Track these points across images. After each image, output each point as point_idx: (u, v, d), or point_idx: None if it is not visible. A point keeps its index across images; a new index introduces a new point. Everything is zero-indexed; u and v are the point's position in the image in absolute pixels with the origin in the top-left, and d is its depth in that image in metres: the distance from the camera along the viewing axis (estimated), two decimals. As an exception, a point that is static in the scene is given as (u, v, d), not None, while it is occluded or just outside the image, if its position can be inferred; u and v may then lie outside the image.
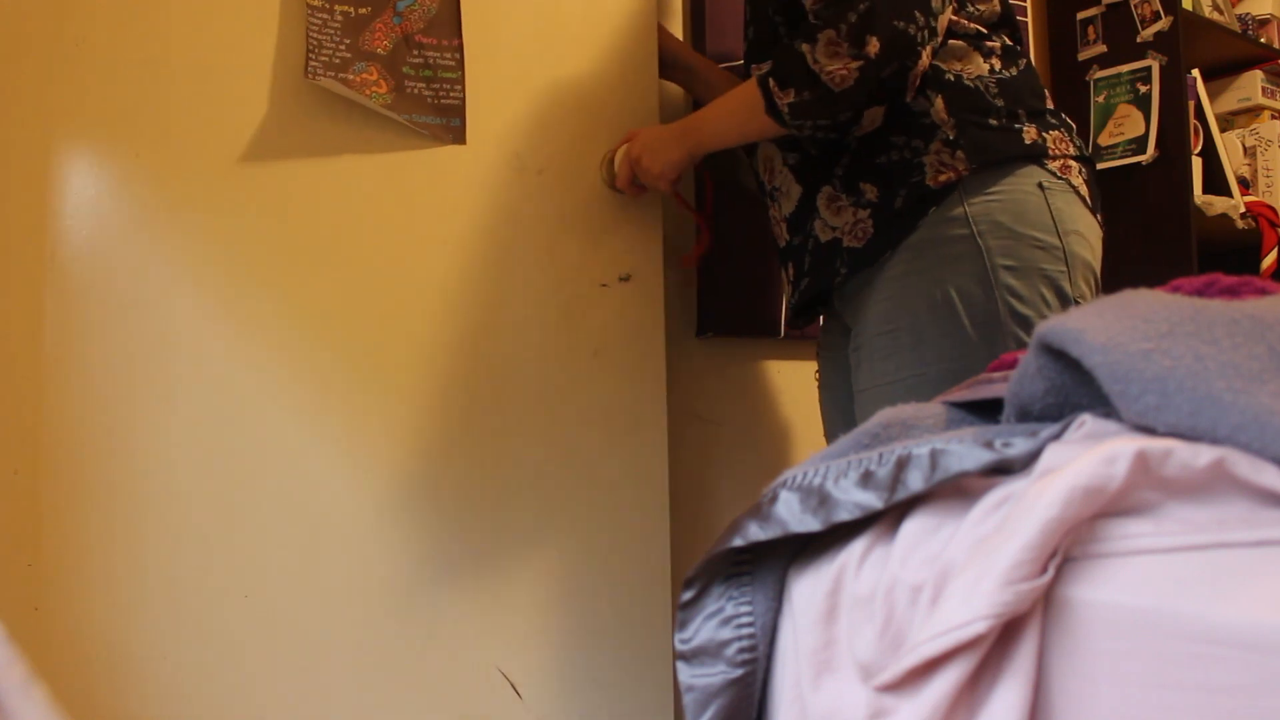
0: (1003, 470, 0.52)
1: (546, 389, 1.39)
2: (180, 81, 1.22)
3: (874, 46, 1.07)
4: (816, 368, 1.45)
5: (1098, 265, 1.17)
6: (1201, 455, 0.43)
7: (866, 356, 1.17)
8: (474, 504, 1.34)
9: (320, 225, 1.28)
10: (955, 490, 0.53)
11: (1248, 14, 2.41)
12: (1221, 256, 2.06)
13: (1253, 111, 2.32)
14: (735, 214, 1.63)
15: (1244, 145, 2.29)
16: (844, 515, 0.55)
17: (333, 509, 1.26)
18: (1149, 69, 2.04)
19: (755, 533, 0.58)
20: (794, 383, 1.73)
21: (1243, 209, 2.14)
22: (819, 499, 0.57)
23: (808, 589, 0.58)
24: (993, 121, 1.13)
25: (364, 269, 1.30)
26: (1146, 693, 0.40)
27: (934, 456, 0.53)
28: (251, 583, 1.20)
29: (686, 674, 0.61)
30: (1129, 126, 2.06)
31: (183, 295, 1.20)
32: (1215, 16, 2.25)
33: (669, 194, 1.43)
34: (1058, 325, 0.51)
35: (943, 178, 1.11)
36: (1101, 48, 2.14)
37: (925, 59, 1.10)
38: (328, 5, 1.28)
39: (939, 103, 1.13)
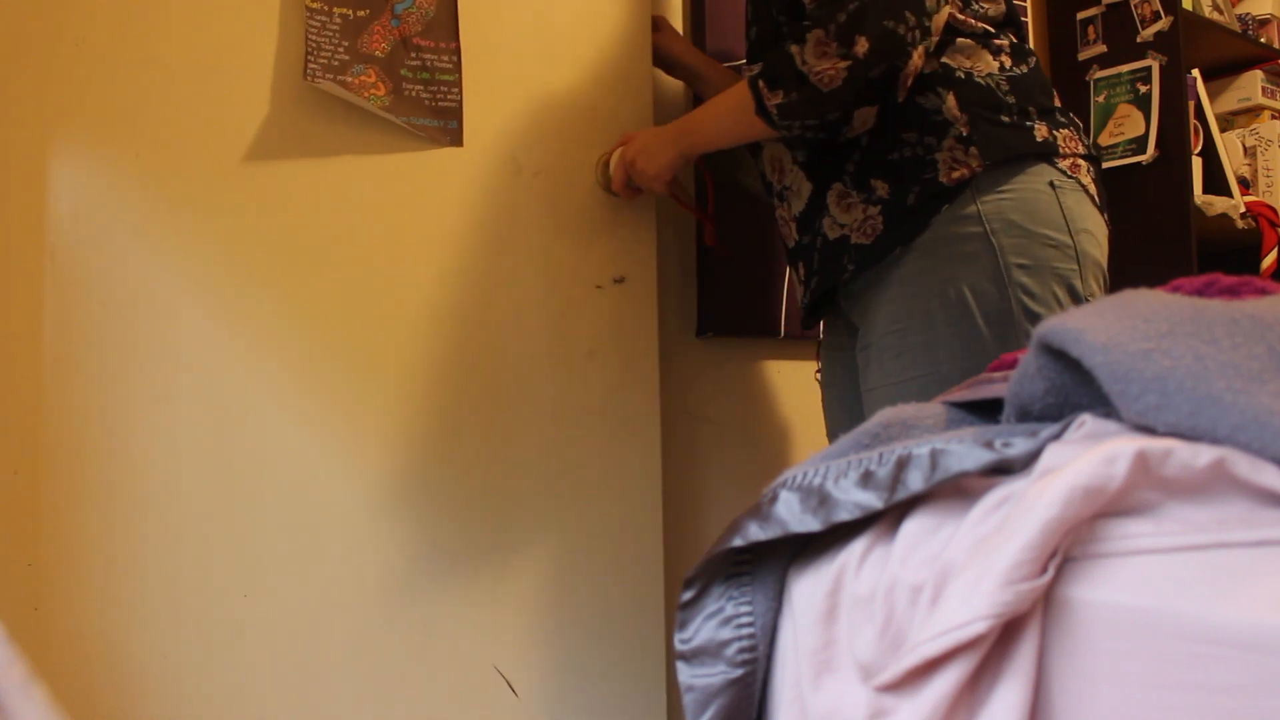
0: (1003, 470, 0.52)
1: (542, 389, 1.41)
2: (180, 82, 1.22)
3: (862, 46, 1.07)
4: (817, 367, 1.45)
5: (1106, 264, 1.17)
6: (1201, 455, 0.43)
7: (876, 355, 1.16)
8: (471, 504, 1.34)
9: (319, 226, 1.29)
10: (955, 490, 0.53)
11: (1248, 14, 2.41)
12: (1221, 256, 2.06)
13: (1253, 111, 2.32)
14: (735, 214, 1.63)
15: (1244, 145, 2.29)
16: (844, 515, 0.55)
17: (331, 508, 1.26)
18: (1149, 69, 2.04)
19: (755, 533, 0.58)
20: (794, 383, 1.73)
21: (1243, 209, 2.14)
22: (819, 499, 0.57)
23: (808, 589, 0.58)
24: (1005, 118, 1.13)
25: (362, 269, 1.31)
26: (1146, 693, 0.40)
27: (934, 456, 0.53)
28: (250, 582, 1.21)
29: (686, 674, 0.61)
30: (1129, 126, 2.06)
31: (182, 295, 1.20)
32: (1215, 16, 2.25)
33: (666, 195, 1.43)
34: (1058, 325, 0.51)
35: (956, 175, 1.11)
36: (1101, 48, 2.14)
37: (917, 59, 1.09)
38: (326, 7, 1.29)
39: (951, 99, 1.13)
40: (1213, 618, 0.38)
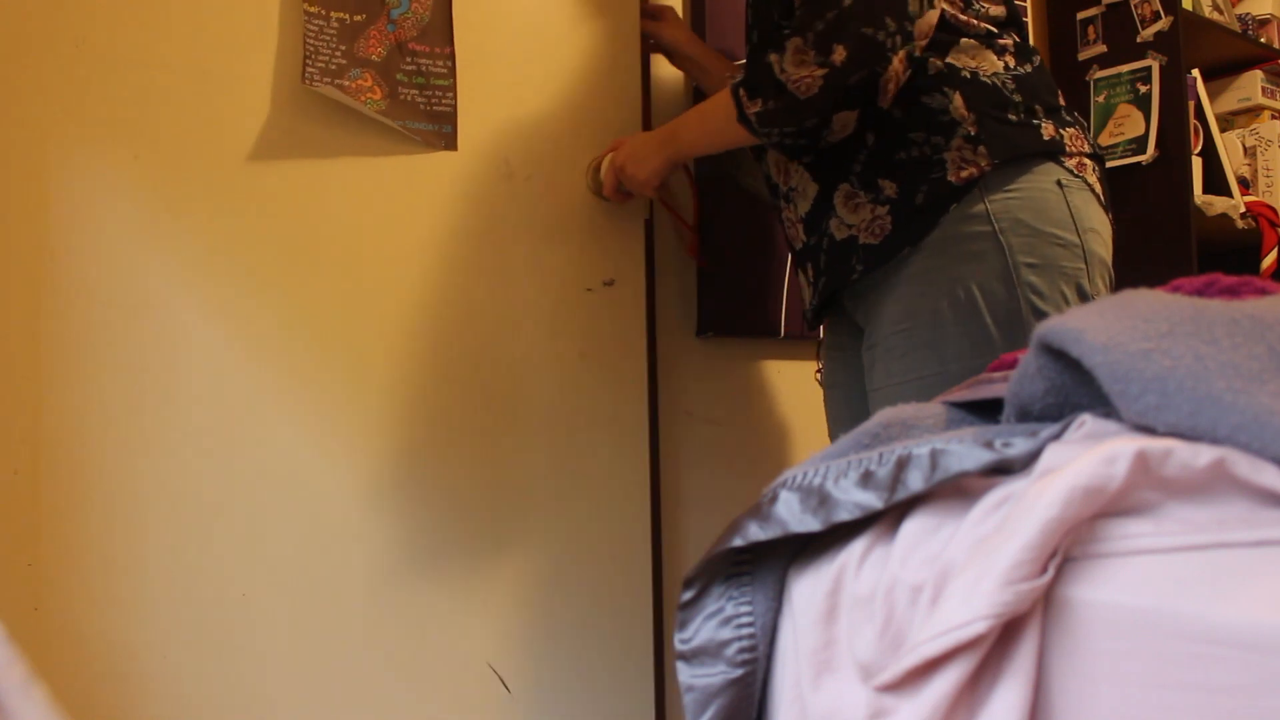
0: (1003, 470, 0.52)
1: (534, 390, 1.43)
2: (179, 84, 1.23)
3: (840, 54, 1.07)
4: (818, 368, 1.45)
5: (1110, 263, 1.17)
6: (1201, 455, 0.43)
7: (883, 355, 1.16)
8: (464, 503, 1.36)
9: (316, 227, 1.30)
10: (955, 490, 0.53)
11: (1248, 14, 2.41)
12: (1221, 256, 2.06)
13: (1253, 111, 2.32)
14: (735, 214, 1.63)
15: (1244, 145, 2.29)
16: (844, 515, 0.55)
17: (327, 508, 1.27)
18: (1149, 69, 2.04)
19: (755, 533, 0.58)
20: (794, 383, 1.73)
21: (1243, 209, 2.14)
22: (819, 499, 0.57)
23: (808, 589, 0.58)
24: (1012, 117, 1.13)
25: (357, 270, 1.32)
26: (1146, 693, 0.40)
27: (934, 456, 0.53)
28: (248, 581, 1.21)
29: (686, 674, 0.61)
30: (1129, 126, 2.06)
31: (181, 296, 1.21)
32: (1215, 16, 2.25)
33: (654, 199, 1.44)
34: (1058, 325, 0.51)
35: (964, 174, 1.11)
36: (1101, 48, 2.14)
37: (897, 64, 1.09)
38: (324, 11, 1.30)
39: (958, 99, 1.12)
40: (1213, 618, 0.38)
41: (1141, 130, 2.04)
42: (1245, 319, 0.48)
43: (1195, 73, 2.11)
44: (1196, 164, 2.08)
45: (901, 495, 0.53)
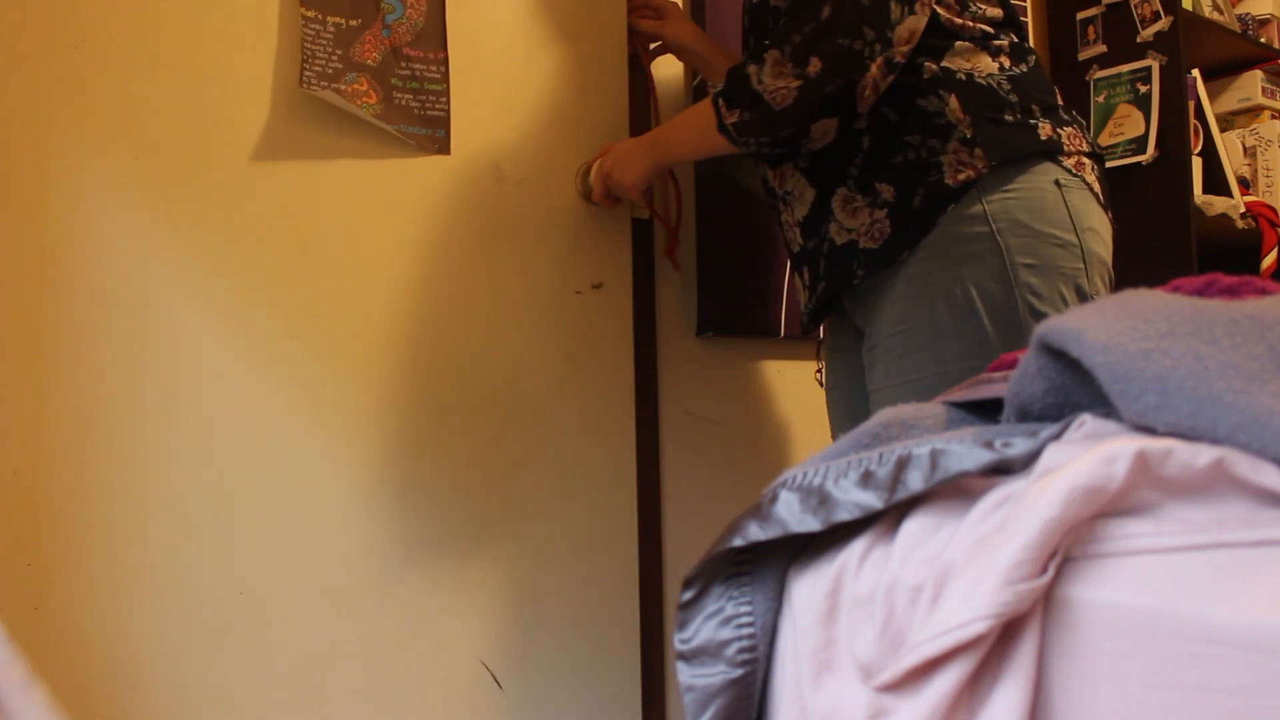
0: (1003, 470, 0.52)
1: (524, 390, 1.45)
2: (178, 86, 1.23)
3: (815, 66, 1.09)
4: (818, 368, 1.45)
5: (1110, 262, 1.17)
6: (1201, 455, 0.43)
7: (882, 356, 1.16)
8: (456, 502, 1.38)
9: (313, 228, 1.31)
10: (955, 490, 0.53)
11: (1248, 14, 2.41)
12: (1221, 256, 2.06)
13: (1253, 111, 2.32)
14: (735, 214, 1.63)
15: (1244, 145, 2.29)
16: (844, 515, 0.55)
17: (322, 507, 1.28)
18: (1149, 69, 2.04)
19: (755, 533, 0.58)
20: (794, 383, 1.73)
21: (1243, 209, 2.14)
22: (819, 499, 0.57)
23: (808, 589, 0.58)
24: (1008, 118, 1.13)
25: (353, 272, 1.33)
26: (1146, 693, 0.40)
27: (934, 456, 0.53)
28: (245, 581, 1.22)
29: (686, 674, 0.61)
30: (1129, 126, 2.06)
31: (180, 295, 1.21)
32: (1215, 16, 2.25)
33: (640, 203, 1.46)
34: (1058, 325, 0.51)
35: (962, 176, 1.11)
36: (1101, 48, 2.14)
37: (875, 70, 1.10)
38: (321, 16, 1.31)
39: (953, 102, 1.12)
40: (1213, 618, 0.38)
41: (1141, 130, 2.04)
42: (1245, 319, 0.48)
43: (1195, 73, 2.10)
44: (1196, 164, 2.08)
45: (901, 495, 0.53)
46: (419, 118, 1.38)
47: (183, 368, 1.20)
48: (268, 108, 1.28)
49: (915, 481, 0.52)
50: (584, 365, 1.51)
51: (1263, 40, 2.38)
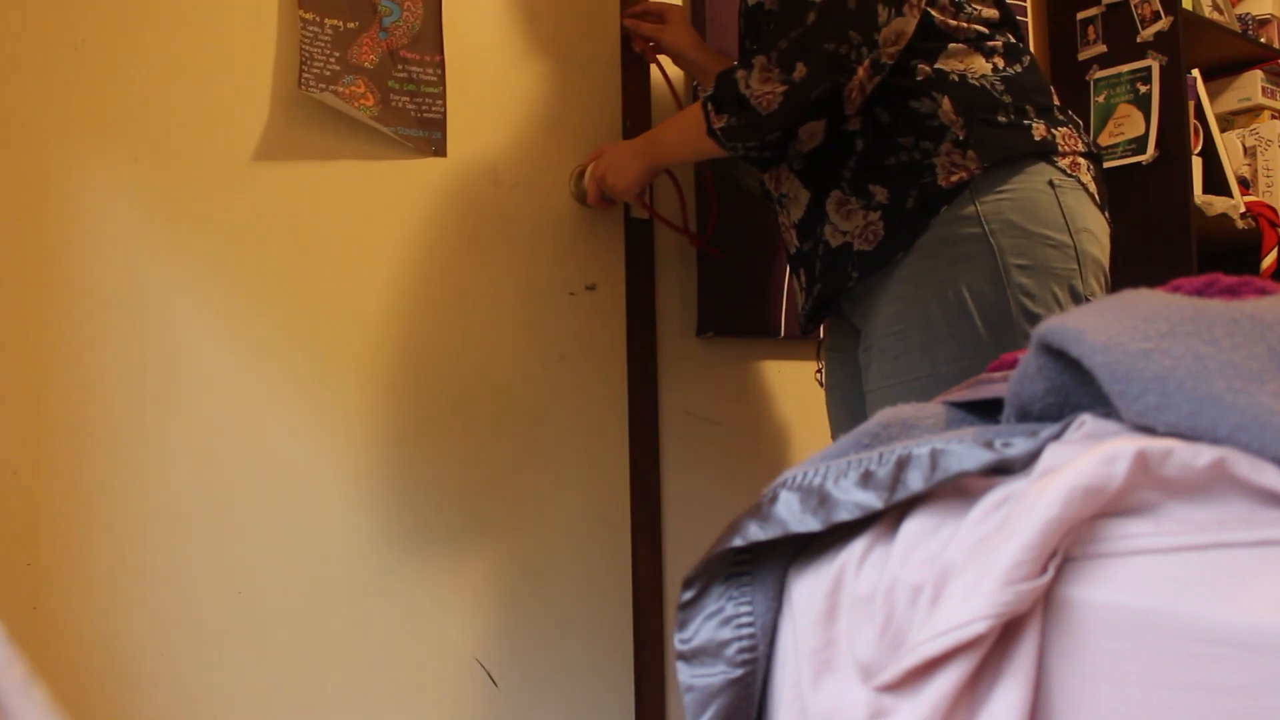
0: (1003, 470, 0.52)
1: (518, 390, 1.46)
2: (178, 87, 1.24)
3: (800, 71, 1.10)
4: (818, 368, 1.45)
5: (1107, 263, 1.17)
6: (1201, 455, 0.43)
7: (877, 356, 1.17)
8: (451, 501, 1.39)
9: (312, 229, 1.32)
10: (955, 490, 0.53)
11: (1248, 14, 2.41)
12: (1221, 256, 2.06)
13: (1253, 111, 2.32)
14: (735, 214, 1.63)
15: (1244, 145, 2.29)
16: (844, 515, 0.55)
17: (320, 506, 1.29)
18: (1149, 69, 2.04)
19: (755, 533, 0.58)
20: (794, 383, 1.73)
21: (1243, 209, 2.14)
22: (819, 499, 0.56)
23: (808, 589, 0.58)
24: (1001, 119, 1.13)
25: (350, 272, 1.34)
26: (1146, 693, 0.40)
27: (934, 456, 0.53)
28: (244, 580, 1.23)
29: (686, 674, 0.61)
30: (1129, 126, 2.06)
31: (179, 296, 1.21)
32: (1215, 16, 2.25)
33: (635, 204, 1.46)
34: (1058, 325, 0.51)
35: (955, 178, 1.11)
36: (1101, 48, 2.13)
37: (861, 73, 1.10)
38: (318, 18, 1.32)
39: (946, 103, 1.12)
40: (1213, 618, 0.38)
41: (1141, 130, 2.03)
42: (1245, 319, 0.48)
43: (1195, 73, 2.10)
44: (1196, 164, 2.08)
45: (901, 495, 0.53)
46: (416, 120, 1.39)
47: (181, 367, 1.20)
48: (266, 109, 1.29)
49: (915, 481, 0.52)
50: (577, 366, 1.52)
51: (1263, 40, 2.38)
